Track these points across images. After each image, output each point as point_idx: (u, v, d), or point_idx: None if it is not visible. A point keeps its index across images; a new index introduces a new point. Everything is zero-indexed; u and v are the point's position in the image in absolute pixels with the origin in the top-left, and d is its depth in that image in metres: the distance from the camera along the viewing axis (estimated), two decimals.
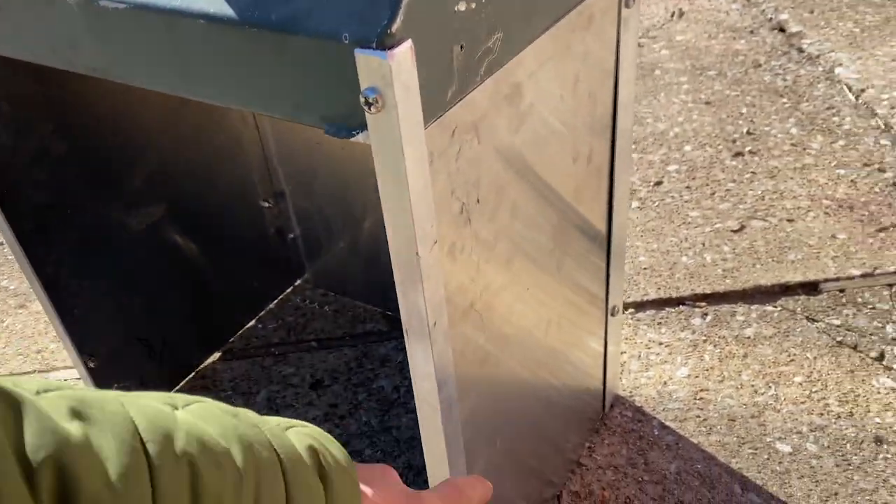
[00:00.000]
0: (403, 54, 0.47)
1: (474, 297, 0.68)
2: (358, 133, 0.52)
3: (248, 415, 0.37)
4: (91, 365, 1.17)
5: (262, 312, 1.49)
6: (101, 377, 1.19)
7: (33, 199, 1.04)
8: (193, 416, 0.34)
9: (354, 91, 0.50)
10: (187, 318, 1.33)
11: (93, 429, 0.28)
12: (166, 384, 1.32)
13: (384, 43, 0.47)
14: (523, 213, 0.73)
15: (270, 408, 1.28)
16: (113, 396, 0.31)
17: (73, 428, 0.28)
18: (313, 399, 1.29)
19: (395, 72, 0.47)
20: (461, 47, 0.54)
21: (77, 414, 0.29)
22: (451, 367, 0.66)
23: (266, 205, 1.41)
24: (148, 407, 0.32)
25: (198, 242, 1.30)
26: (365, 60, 0.47)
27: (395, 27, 0.47)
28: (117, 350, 1.21)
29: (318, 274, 1.51)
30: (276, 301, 1.52)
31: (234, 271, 1.39)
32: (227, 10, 0.53)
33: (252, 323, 1.47)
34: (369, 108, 0.49)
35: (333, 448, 0.40)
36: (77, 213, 1.10)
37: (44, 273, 1.07)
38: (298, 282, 1.55)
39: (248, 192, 1.38)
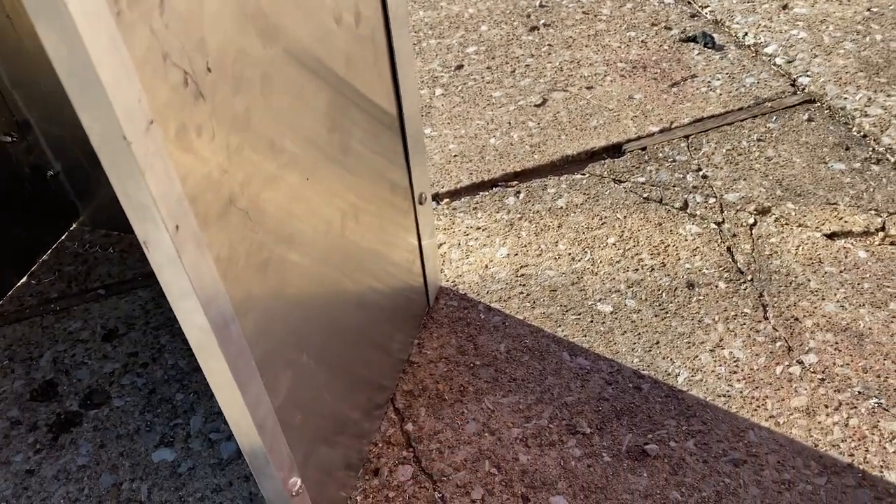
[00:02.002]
0: None
1: (233, 191, 0.57)
2: None
3: None
4: None
5: (35, 266, 1.29)
6: None
7: None
8: None
9: None
10: None
11: None
12: None
13: None
14: (282, 86, 0.62)
15: (59, 370, 1.11)
16: None
17: None
18: (108, 352, 1.13)
19: None
20: None
21: None
22: (215, 278, 0.55)
23: (9, 139, 1.19)
24: None
25: None
26: None
27: None
28: None
29: (95, 213, 1.32)
30: (49, 251, 1.31)
31: None
32: None
33: (24, 279, 1.27)
34: None
35: None
36: None
37: None
38: (74, 225, 1.35)
39: None
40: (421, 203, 1.01)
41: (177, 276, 0.51)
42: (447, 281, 1.18)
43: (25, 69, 1.12)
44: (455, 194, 1.34)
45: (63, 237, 1.33)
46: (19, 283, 1.26)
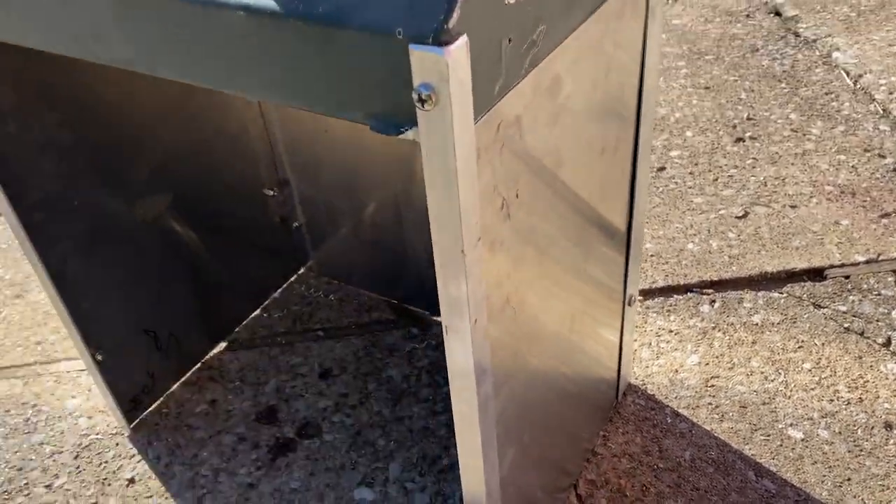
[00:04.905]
0: (459, 50, 0.46)
1: (510, 292, 0.67)
2: (407, 130, 0.51)
3: None
4: (99, 357, 1.15)
5: (267, 301, 1.48)
6: (109, 370, 1.17)
7: (40, 189, 1.02)
8: None
9: (405, 87, 0.48)
10: (193, 309, 1.31)
11: None
12: (172, 376, 1.30)
13: (440, 38, 0.46)
14: (555, 206, 0.72)
15: (280, 398, 1.27)
16: None
17: None
18: (323, 389, 1.28)
19: (452, 68, 0.46)
20: (509, 41, 0.53)
21: None
22: (488, 363, 0.65)
23: (271, 193, 1.39)
24: None
25: (202, 232, 1.28)
26: (420, 57, 0.46)
27: (451, 22, 0.46)
28: (124, 342, 1.19)
29: (323, 262, 1.50)
30: (280, 290, 1.50)
31: (238, 261, 1.37)
32: (270, 2, 0.52)
33: (257, 312, 1.46)
34: (422, 105, 0.48)
35: None
36: (84, 204, 1.08)
37: (51, 265, 1.05)
38: (302, 270, 1.54)
39: (253, 181, 1.36)
40: (629, 304, 1.08)
41: (465, 358, 0.62)
42: (636, 378, 1.23)
43: (299, 140, 1.32)
44: (649, 294, 1.40)
45: (292, 279, 1.52)
46: (253, 315, 1.45)
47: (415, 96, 0.47)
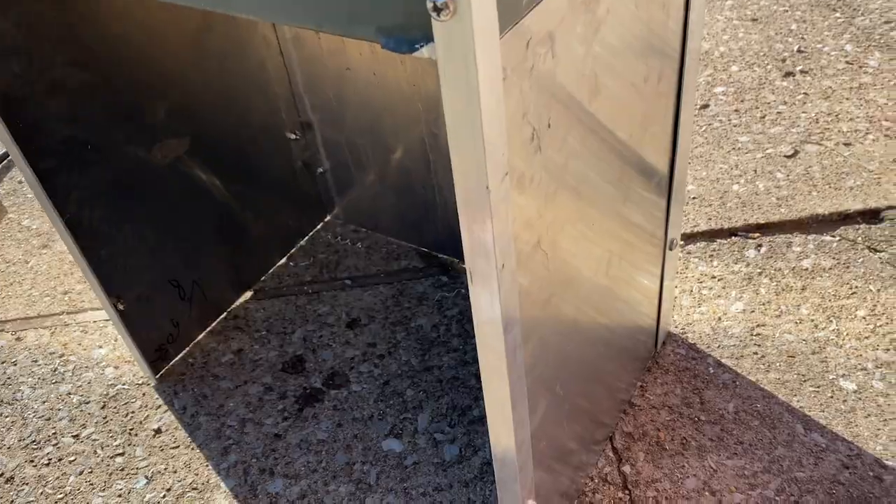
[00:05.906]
0: None
1: (541, 233, 0.62)
2: (422, 46, 0.44)
3: None
4: (120, 307, 1.13)
5: (293, 250, 1.44)
6: (132, 319, 1.15)
7: (52, 134, 0.98)
8: None
9: None
10: (217, 258, 1.27)
11: None
12: (198, 326, 1.28)
13: None
14: (591, 141, 0.65)
15: (307, 347, 1.24)
16: None
17: None
18: (350, 338, 1.24)
19: None
20: None
21: None
22: (516, 310, 0.60)
23: (293, 137, 1.34)
24: None
25: (224, 179, 1.24)
26: None
27: None
28: (147, 291, 1.16)
29: (349, 209, 1.45)
30: (306, 238, 1.46)
31: (262, 208, 1.33)
32: None
33: (283, 261, 1.42)
34: (438, 14, 0.41)
35: None
36: (98, 149, 1.04)
37: (67, 213, 1.02)
38: (328, 217, 1.49)
39: (274, 124, 1.30)
40: (670, 249, 1.02)
41: (491, 305, 0.57)
42: (676, 327, 1.17)
43: (320, 81, 1.26)
44: (690, 238, 1.33)
45: (318, 227, 1.48)
46: (279, 263, 1.41)
47: (429, 4, 0.41)
